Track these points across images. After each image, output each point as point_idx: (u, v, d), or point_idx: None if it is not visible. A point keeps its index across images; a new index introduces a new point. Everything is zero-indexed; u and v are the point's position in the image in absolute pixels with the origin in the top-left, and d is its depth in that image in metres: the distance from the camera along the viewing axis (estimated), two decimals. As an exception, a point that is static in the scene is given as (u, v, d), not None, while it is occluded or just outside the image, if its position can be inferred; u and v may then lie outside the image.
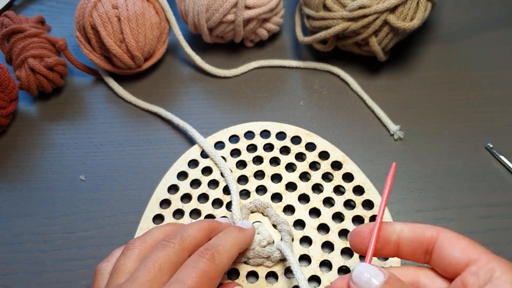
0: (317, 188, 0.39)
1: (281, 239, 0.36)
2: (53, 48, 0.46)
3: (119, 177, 0.42)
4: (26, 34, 0.45)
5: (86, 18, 0.44)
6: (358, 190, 0.38)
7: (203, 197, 0.39)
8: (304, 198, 0.38)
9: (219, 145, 0.42)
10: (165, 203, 0.39)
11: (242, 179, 0.40)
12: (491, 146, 0.42)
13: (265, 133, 0.42)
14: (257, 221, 0.37)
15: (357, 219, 0.37)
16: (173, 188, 0.40)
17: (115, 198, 0.41)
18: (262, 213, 0.38)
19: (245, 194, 0.39)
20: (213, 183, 0.40)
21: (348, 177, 0.39)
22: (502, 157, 0.42)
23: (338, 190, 0.39)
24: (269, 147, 0.42)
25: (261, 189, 0.39)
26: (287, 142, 0.41)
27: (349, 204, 0.38)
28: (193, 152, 0.42)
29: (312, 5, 0.44)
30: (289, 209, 0.38)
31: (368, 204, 0.38)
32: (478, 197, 0.40)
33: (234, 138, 0.42)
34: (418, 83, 0.47)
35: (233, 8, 0.45)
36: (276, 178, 0.40)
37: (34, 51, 0.45)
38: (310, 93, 0.47)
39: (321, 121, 0.45)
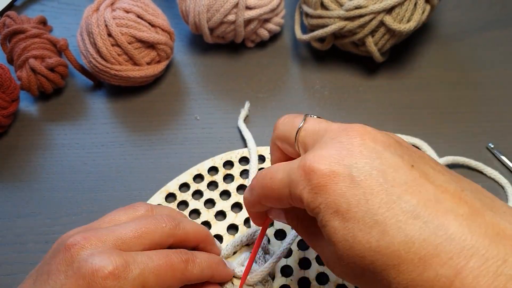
0: None
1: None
2: (55, 49, 0.47)
3: (121, 177, 0.42)
4: (28, 35, 0.45)
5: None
6: None
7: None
8: None
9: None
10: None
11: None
12: (492, 146, 0.42)
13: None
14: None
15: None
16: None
17: (117, 198, 0.41)
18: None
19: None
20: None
21: None
22: (504, 158, 0.42)
23: None
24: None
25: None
26: None
27: None
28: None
29: (310, 3, 0.45)
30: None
31: None
32: (479, 198, 0.40)
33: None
34: (419, 83, 0.47)
35: (234, 8, 0.45)
36: None
37: (35, 52, 0.45)
38: (311, 93, 0.47)
39: (322, 121, 0.45)
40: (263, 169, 0.28)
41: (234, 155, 0.41)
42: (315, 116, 0.27)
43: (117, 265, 0.26)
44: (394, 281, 0.21)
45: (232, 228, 0.38)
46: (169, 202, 0.39)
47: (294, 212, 0.29)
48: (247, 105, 0.45)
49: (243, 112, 0.45)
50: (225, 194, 0.40)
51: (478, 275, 0.20)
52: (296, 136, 0.27)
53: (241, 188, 0.40)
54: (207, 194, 0.39)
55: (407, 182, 0.22)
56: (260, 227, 0.34)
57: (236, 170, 0.41)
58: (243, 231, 0.37)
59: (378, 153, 0.23)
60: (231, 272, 0.34)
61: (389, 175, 0.22)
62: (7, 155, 0.44)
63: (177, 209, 0.38)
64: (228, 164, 0.41)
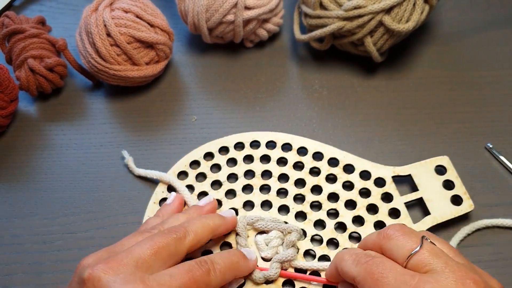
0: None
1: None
2: (53, 49, 0.46)
3: (119, 177, 0.42)
4: (27, 35, 0.45)
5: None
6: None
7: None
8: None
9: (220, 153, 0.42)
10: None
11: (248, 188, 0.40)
12: (491, 146, 0.42)
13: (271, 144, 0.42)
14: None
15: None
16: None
17: (115, 199, 0.41)
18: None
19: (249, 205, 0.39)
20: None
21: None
22: (502, 158, 0.42)
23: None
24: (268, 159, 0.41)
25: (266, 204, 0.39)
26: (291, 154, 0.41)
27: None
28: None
29: (309, 3, 0.45)
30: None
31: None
32: (478, 197, 0.40)
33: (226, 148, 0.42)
34: (418, 83, 0.47)
35: (233, 8, 0.45)
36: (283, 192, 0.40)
37: (34, 52, 0.45)
38: (310, 93, 0.47)
39: (321, 121, 0.45)
40: (369, 254, 0.29)
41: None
42: (429, 240, 0.28)
43: None
44: None
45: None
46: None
47: None
48: (126, 154, 0.42)
49: (130, 160, 0.42)
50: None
51: None
52: (408, 257, 0.28)
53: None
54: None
55: None
56: None
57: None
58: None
59: None
60: (254, 262, 0.34)
61: None
62: (5, 155, 0.44)
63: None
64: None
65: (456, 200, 0.38)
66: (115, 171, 0.42)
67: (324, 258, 0.36)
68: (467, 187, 0.40)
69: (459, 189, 0.38)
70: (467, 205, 0.37)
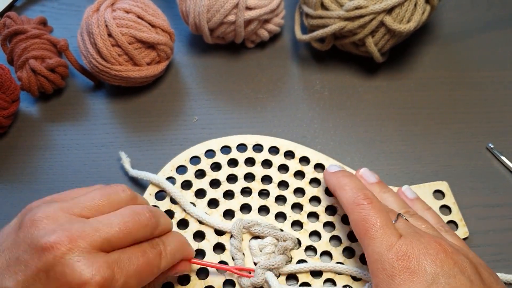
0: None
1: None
2: (55, 49, 0.47)
3: (121, 178, 0.42)
4: (28, 35, 0.45)
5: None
6: None
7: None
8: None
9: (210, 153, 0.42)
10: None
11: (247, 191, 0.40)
12: (492, 146, 0.42)
13: (257, 147, 0.42)
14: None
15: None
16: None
17: (116, 199, 0.41)
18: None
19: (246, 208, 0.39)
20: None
21: None
22: (503, 158, 0.42)
23: None
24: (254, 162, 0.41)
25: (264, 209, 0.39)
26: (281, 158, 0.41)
27: None
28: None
29: (311, 3, 0.45)
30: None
31: None
32: (479, 198, 0.40)
33: (225, 149, 0.42)
34: (419, 84, 0.47)
35: (234, 9, 0.45)
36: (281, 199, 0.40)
37: (35, 52, 0.45)
38: (311, 94, 0.47)
39: (322, 121, 0.45)
40: (367, 196, 0.33)
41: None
42: (404, 218, 0.33)
43: (106, 277, 0.26)
44: None
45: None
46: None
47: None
48: (123, 155, 0.42)
49: (126, 162, 0.42)
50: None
51: None
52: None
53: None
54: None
55: None
56: None
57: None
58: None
59: (456, 273, 0.28)
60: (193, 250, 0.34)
61: None
62: (7, 155, 0.44)
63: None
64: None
65: (451, 226, 0.38)
66: (117, 171, 0.43)
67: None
68: (468, 187, 0.40)
69: (456, 215, 0.38)
70: (462, 232, 0.37)
